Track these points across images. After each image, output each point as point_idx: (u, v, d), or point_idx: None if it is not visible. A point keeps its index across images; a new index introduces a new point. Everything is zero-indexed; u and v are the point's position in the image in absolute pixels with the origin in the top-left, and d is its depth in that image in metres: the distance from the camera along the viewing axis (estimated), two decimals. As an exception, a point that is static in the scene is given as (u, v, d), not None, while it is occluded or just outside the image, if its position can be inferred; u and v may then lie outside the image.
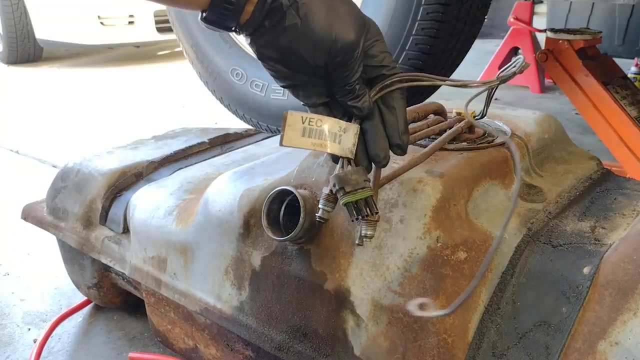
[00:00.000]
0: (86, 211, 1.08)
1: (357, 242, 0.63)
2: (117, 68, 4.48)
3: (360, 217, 0.61)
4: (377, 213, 0.62)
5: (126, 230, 1.03)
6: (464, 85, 0.67)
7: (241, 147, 1.22)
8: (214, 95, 2.02)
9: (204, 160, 1.15)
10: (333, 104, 0.64)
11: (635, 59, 2.96)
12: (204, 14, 0.59)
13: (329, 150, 0.62)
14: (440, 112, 0.85)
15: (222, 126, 1.63)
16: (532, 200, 0.77)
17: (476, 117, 0.86)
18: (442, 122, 0.84)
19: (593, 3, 3.17)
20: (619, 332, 0.56)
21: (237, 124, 1.93)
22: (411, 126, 0.79)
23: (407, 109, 0.76)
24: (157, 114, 3.00)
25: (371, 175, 0.65)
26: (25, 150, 2.42)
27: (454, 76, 1.66)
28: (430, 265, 0.65)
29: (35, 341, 1.12)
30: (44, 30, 4.50)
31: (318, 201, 0.65)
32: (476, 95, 0.73)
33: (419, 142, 0.81)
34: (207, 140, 1.24)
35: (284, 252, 0.76)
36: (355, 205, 0.61)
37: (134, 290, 1.10)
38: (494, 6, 1.84)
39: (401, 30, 1.47)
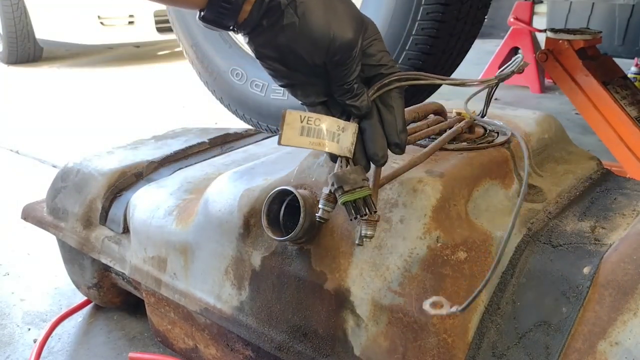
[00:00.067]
0: (86, 211, 1.08)
1: (357, 242, 0.63)
2: (117, 68, 4.49)
3: (358, 216, 0.61)
4: (375, 212, 0.62)
5: (126, 230, 1.03)
6: (462, 84, 0.67)
7: (241, 147, 1.22)
8: (214, 95, 2.02)
9: (204, 160, 1.15)
10: (331, 103, 0.64)
11: (635, 59, 2.96)
12: (202, 13, 0.59)
13: (327, 150, 0.62)
14: (440, 112, 0.85)
15: (222, 126, 1.63)
16: (532, 200, 0.77)
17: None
18: (442, 122, 0.83)
19: (593, 3, 3.17)
20: (619, 332, 0.56)
21: (237, 124, 1.93)
22: (411, 126, 0.79)
23: (407, 109, 0.77)
24: (157, 114, 3.00)
25: (371, 175, 0.65)
26: (25, 150, 2.42)
27: (453, 76, 1.66)
28: (430, 265, 0.65)
29: (35, 341, 1.12)
30: (44, 30, 4.50)
31: (318, 201, 0.65)
32: (475, 94, 0.73)
33: (419, 142, 0.81)
34: (207, 140, 1.24)
35: (284, 252, 0.76)
36: (354, 205, 0.61)
37: (134, 290, 1.10)
38: (494, 6, 1.84)
39: (401, 30, 1.47)
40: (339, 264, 0.71)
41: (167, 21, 2.63)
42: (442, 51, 1.53)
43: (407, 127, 0.67)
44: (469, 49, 1.68)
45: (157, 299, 0.98)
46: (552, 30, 1.71)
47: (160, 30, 4.46)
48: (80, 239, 1.08)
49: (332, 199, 0.63)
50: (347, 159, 0.63)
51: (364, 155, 0.64)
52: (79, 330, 1.18)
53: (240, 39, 1.81)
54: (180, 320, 0.96)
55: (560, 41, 1.66)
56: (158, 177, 1.09)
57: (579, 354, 0.57)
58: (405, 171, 0.70)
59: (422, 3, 1.43)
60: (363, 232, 0.63)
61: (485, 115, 0.86)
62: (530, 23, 3.24)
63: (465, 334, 0.63)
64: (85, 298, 1.24)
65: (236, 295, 0.81)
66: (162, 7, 3.85)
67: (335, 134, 0.62)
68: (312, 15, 0.58)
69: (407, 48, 1.48)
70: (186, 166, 1.12)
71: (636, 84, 2.62)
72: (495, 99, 1.54)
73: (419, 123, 0.81)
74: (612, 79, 1.64)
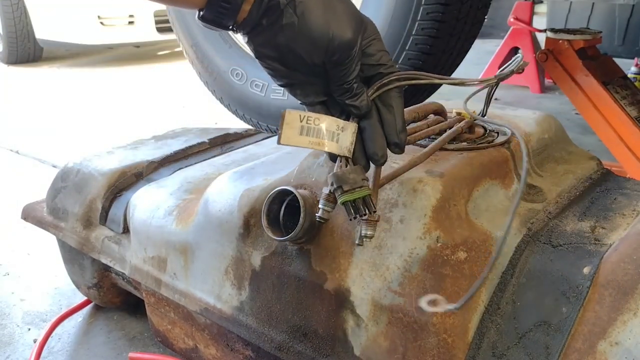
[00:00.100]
0: (86, 211, 1.08)
1: (357, 242, 0.63)
2: (117, 68, 4.49)
3: (358, 216, 0.61)
4: (375, 212, 0.62)
5: (126, 230, 1.03)
6: (461, 83, 0.67)
7: (241, 147, 1.22)
8: (214, 95, 2.02)
9: (204, 160, 1.15)
10: (331, 102, 0.64)
11: (635, 59, 2.96)
12: (201, 13, 0.59)
13: (326, 149, 0.62)
14: (440, 112, 0.85)
15: (222, 126, 1.63)
16: (532, 200, 0.77)
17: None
18: (442, 122, 0.83)
19: (593, 3, 3.17)
20: (619, 332, 0.56)
21: (237, 124, 1.93)
22: (411, 126, 0.78)
23: (407, 109, 0.76)
24: (157, 114, 3.00)
25: (371, 175, 0.65)
26: (25, 150, 2.42)
27: (453, 76, 1.66)
28: (430, 265, 0.65)
29: (35, 341, 1.12)
30: (44, 30, 4.51)
31: (318, 201, 0.65)
32: (474, 94, 0.73)
33: (418, 142, 0.81)
34: (207, 140, 1.24)
35: (284, 252, 0.76)
36: (353, 204, 0.61)
37: (134, 290, 1.10)
38: (494, 6, 1.84)
39: (401, 30, 1.47)
40: (339, 264, 0.71)
41: (167, 21, 2.63)
42: (442, 51, 1.53)
43: (407, 127, 0.67)
44: (469, 49, 1.68)
45: (157, 299, 0.98)
46: (552, 30, 1.71)
47: (160, 30, 4.46)
48: (80, 239, 1.08)
49: (332, 198, 0.63)
50: (346, 158, 0.63)
51: (364, 155, 0.64)
52: (79, 330, 1.18)
53: (240, 38, 1.81)
54: (180, 320, 0.96)
55: (560, 41, 1.66)
56: (158, 177, 1.09)
57: (579, 354, 0.57)
58: (405, 171, 0.70)
59: (422, 3, 1.43)
60: (363, 232, 0.63)
61: (485, 115, 0.86)
62: (530, 23, 3.24)
63: (465, 334, 0.63)
64: (85, 298, 1.24)
65: (236, 295, 0.81)
66: (162, 7, 3.86)
67: (335, 133, 0.62)
68: (311, 14, 0.58)
69: (407, 48, 1.48)
70: (186, 166, 1.12)
71: (636, 84, 2.62)
72: (495, 99, 1.54)
73: (418, 123, 0.81)
74: (612, 79, 1.64)
